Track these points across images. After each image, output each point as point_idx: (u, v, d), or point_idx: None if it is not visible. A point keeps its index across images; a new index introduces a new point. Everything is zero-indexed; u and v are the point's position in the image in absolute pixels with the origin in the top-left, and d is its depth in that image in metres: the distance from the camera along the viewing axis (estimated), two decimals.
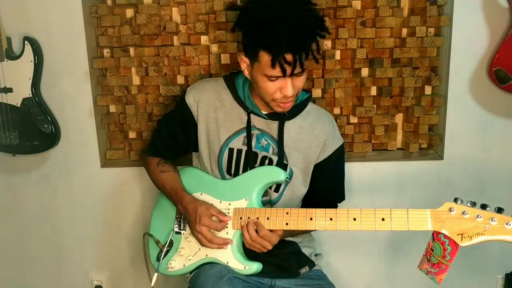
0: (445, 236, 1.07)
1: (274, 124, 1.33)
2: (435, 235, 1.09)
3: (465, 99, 1.64)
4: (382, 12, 1.52)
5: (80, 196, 1.77)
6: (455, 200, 1.07)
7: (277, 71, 1.16)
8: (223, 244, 1.26)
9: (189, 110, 1.35)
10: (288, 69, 1.15)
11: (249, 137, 1.32)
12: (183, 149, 1.45)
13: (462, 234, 1.05)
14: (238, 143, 1.33)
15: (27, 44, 1.57)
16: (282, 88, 1.19)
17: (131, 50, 1.61)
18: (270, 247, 1.22)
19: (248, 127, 1.32)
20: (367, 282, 1.82)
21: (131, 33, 1.57)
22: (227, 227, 1.28)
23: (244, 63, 1.25)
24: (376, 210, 1.12)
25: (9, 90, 1.59)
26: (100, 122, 1.67)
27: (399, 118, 1.66)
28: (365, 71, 1.61)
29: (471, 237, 1.04)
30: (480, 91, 1.63)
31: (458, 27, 1.56)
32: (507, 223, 1.02)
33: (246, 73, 1.26)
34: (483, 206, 1.04)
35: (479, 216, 1.04)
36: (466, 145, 1.67)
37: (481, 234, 1.03)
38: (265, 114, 1.32)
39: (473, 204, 1.06)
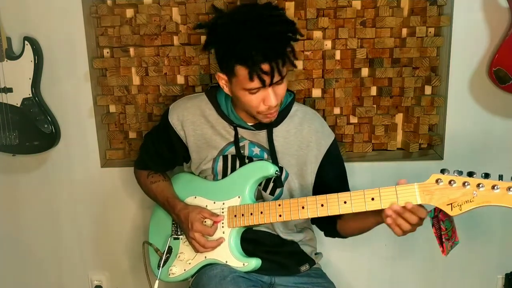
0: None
1: (262, 133, 1.32)
2: (442, 216, 1.08)
3: (465, 99, 1.64)
4: (382, 12, 1.52)
5: (80, 196, 1.77)
6: (442, 171, 1.06)
7: (256, 83, 1.15)
8: (216, 245, 1.27)
9: (174, 130, 1.35)
10: (267, 79, 1.14)
11: (238, 150, 1.31)
12: (171, 165, 1.48)
13: (451, 204, 1.03)
14: (230, 153, 1.33)
15: (27, 44, 1.57)
16: (265, 99, 1.18)
17: (131, 50, 1.61)
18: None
19: (236, 141, 1.31)
20: (367, 281, 1.82)
21: (131, 33, 1.57)
22: (222, 227, 1.28)
23: (222, 80, 1.23)
24: (365, 191, 1.12)
25: (9, 90, 1.59)
26: (100, 122, 1.67)
27: (399, 118, 1.66)
28: (365, 71, 1.61)
29: (460, 205, 1.02)
30: (480, 91, 1.63)
31: (458, 27, 1.56)
32: (494, 187, 1.00)
33: (226, 89, 1.25)
34: (470, 174, 1.03)
35: (466, 184, 1.02)
36: (466, 145, 1.67)
37: (470, 202, 1.01)
38: (251, 126, 1.31)
39: (460, 173, 1.04)
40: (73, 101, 1.67)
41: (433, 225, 1.12)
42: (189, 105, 1.36)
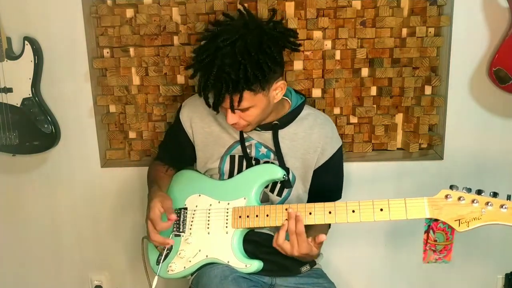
0: (444, 223, 1.09)
1: (268, 134, 1.32)
2: (435, 226, 1.10)
3: (465, 99, 1.64)
4: (382, 12, 1.52)
5: (80, 196, 1.77)
6: (451, 187, 1.09)
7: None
8: (161, 242, 1.26)
9: (183, 127, 1.38)
10: (211, 103, 1.19)
11: (244, 149, 1.32)
12: (178, 161, 1.48)
13: (459, 220, 1.06)
14: (238, 153, 1.34)
15: (27, 44, 1.57)
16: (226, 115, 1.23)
17: (131, 50, 1.61)
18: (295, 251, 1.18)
19: (242, 140, 1.32)
20: (367, 281, 1.82)
21: (131, 33, 1.57)
22: (226, 226, 1.28)
23: None
24: (374, 201, 1.14)
25: (9, 90, 1.59)
26: (100, 122, 1.67)
27: (399, 118, 1.66)
28: (365, 71, 1.61)
29: (468, 222, 1.05)
30: (480, 91, 1.63)
31: (458, 27, 1.56)
32: (502, 207, 1.03)
33: None
34: (479, 192, 1.06)
35: (475, 201, 1.05)
36: (466, 145, 1.67)
37: (478, 219, 1.05)
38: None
39: (469, 190, 1.07)
40: (73, 101, 1.67)
41: (425, 231, 1.14)
42: (198, 103, 1.36)
